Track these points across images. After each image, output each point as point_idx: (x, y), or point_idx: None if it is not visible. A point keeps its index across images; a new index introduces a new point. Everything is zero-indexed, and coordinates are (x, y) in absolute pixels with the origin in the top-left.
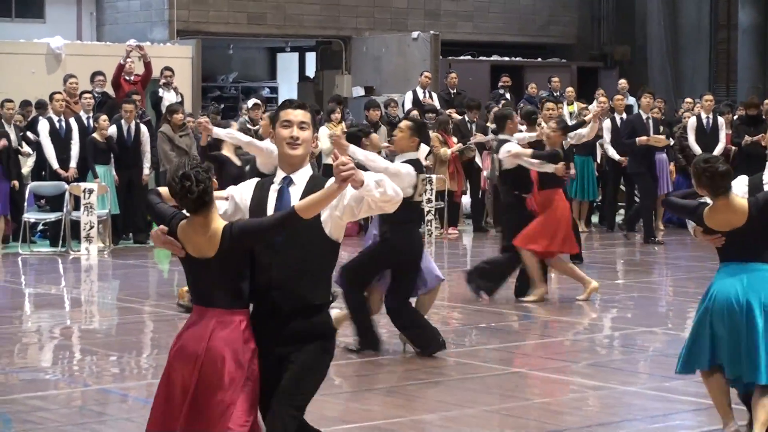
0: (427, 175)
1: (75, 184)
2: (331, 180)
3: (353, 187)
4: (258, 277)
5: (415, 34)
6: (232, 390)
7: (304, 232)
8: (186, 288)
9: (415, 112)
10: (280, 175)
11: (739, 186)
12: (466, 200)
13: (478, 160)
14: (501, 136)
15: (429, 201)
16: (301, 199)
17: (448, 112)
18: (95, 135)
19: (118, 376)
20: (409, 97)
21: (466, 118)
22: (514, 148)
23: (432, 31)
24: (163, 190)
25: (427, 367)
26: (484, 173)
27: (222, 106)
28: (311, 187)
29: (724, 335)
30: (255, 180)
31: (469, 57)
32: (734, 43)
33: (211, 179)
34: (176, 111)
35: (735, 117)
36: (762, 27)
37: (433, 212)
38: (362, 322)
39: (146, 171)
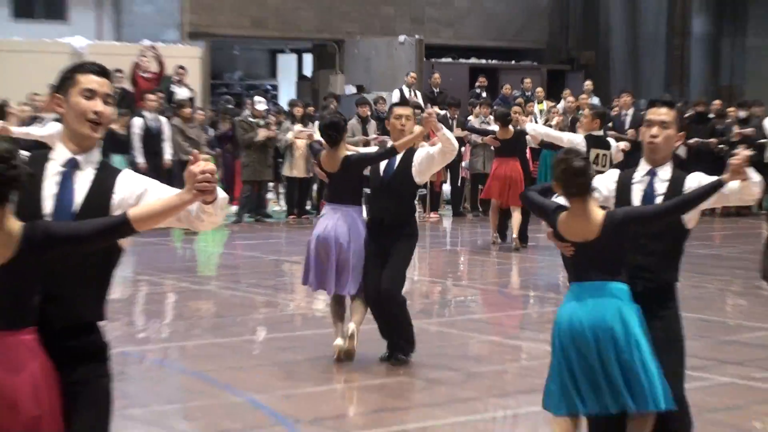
0: None
1: None
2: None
3: (204, 202)
4: None
5: (401, 38)
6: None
7: None
8: None
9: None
10: (64, 154)
11: (608, 180)
12: (446, 188)
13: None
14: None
15: None
16: (90, 189)
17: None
18: (114, 126)
19: (137, 340)
20: (396, 95)
21: (447, 115)
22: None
23: (417, 36)
24: None
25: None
26: (463, 164)
27: (229, 103)
28: (102, 177)
29: (578, 369)
30: (26, 153)
31: (450, 60)
32: (688, 49)
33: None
34: (184, 105)
35: (686, 116)
36: (713, 35)
37: (417, 198)
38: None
39: (168, 157)
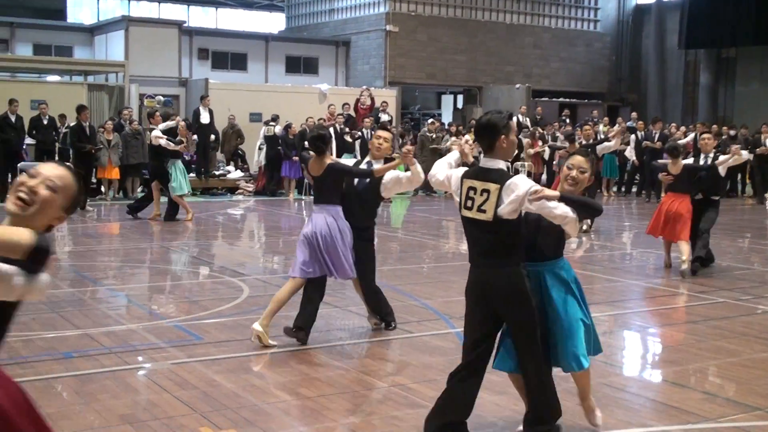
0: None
1: None
2: None
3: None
4: None
5: (517, 86)
6: None
7: None
8: None
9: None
10: None
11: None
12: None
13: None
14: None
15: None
16: None
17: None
18: (346, 137)
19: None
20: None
21: (545, 132)
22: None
23: (527, 84)
24: None
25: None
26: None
27: (412, 123)
28: None
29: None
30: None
31: (546, 99)
32: (696, 93)
33: None
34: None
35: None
36: (713, 85)
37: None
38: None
39: None
